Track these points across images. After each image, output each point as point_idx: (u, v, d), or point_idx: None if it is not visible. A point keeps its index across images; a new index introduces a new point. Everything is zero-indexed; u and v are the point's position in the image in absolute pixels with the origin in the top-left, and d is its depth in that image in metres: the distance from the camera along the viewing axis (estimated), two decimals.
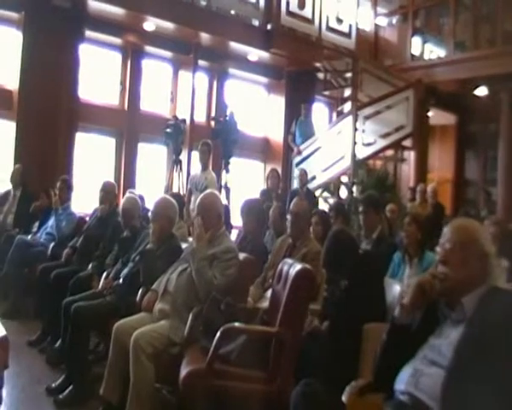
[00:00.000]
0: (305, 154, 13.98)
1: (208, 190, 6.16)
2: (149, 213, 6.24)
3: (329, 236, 4.71)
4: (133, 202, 6.69)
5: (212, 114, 14.01)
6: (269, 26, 13.61)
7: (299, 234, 5.96)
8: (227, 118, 11.93)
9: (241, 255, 5.25)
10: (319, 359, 4.06)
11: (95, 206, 8.27)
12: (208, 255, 4.92)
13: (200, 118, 14.09)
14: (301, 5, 14.18)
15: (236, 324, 4.27)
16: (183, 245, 5.75)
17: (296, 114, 14.33)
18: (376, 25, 17.06)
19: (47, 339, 6.83)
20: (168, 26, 12.39)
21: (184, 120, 12.19)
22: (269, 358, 4.17)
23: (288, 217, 6.12)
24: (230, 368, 4.15)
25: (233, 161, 12.17)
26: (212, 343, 4.09)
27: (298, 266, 4.35)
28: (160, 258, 5.35)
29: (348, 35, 15.31)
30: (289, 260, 4.75)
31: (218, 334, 4.07)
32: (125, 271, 5.83)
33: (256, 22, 13.72)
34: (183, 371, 4.14)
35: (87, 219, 8.57)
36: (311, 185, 12.82)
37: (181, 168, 12.14)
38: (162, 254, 5.39)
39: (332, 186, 14.39)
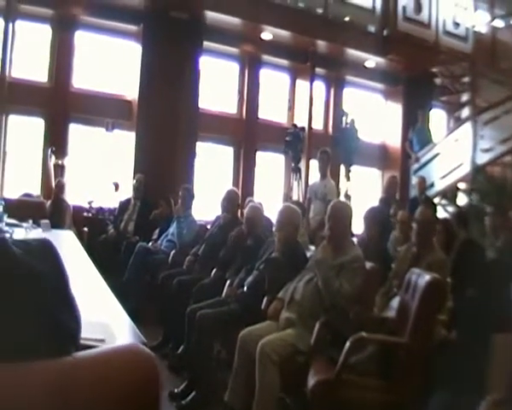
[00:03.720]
0: (422, 161, 13.79)
1: (338, 199, 6.17)
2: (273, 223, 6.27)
3: (458, 245, 4.67)
4: (257, 211, 6.73)
5: (330, 121, 14.02)
6: (385, 32, 13.46)
7: (425, 243, 5.88)
8: (347, 125, 11.92)
9: (367, 264, 5.22)
10: (448, 369, 4.00)
11: (214, 214, 8.38)
12: (335, 265, 4.92)
13: (318, 126, 14.09)
14: (418, 10, 14.00)
15: (364, 333, 4.21)
16: (307, 254, 5.73)
17: (413, 121, 14.11)
18: (493, 27, 16.65)
19: (169, 345, 6.98)
20: (285, 34, 12.44)
21: (303, 128, 12.22)
22: (396, 368, 4.14)
23: (414, 226, 6.04)
24: (359, 378, 4.12)
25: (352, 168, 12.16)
26: (339, 353, 4.07)
27: (427, 277, 4.28)
28: (286, 266, 5.36)
29: (465, 39, 15.01)
30: (417, 270, 4.68)
31: (348, 344, 4.04)
32: (250, 279, 5.88)
33: (372, 28, 13.56)
34: (311, 381, 4.14)
35: (208, 226, 8.69)
36: (428, 193, 12.61)
37: (300, 176, 12.16)
38: (288, 262, 5.40)
39: (449, 193, 14.12)
